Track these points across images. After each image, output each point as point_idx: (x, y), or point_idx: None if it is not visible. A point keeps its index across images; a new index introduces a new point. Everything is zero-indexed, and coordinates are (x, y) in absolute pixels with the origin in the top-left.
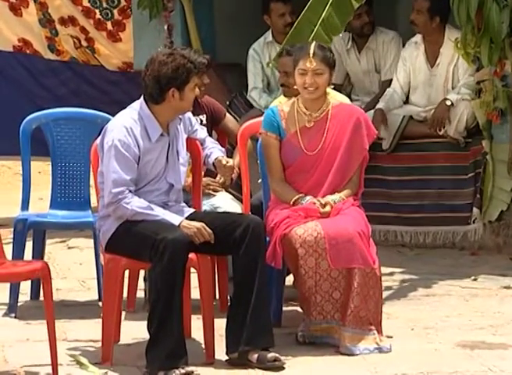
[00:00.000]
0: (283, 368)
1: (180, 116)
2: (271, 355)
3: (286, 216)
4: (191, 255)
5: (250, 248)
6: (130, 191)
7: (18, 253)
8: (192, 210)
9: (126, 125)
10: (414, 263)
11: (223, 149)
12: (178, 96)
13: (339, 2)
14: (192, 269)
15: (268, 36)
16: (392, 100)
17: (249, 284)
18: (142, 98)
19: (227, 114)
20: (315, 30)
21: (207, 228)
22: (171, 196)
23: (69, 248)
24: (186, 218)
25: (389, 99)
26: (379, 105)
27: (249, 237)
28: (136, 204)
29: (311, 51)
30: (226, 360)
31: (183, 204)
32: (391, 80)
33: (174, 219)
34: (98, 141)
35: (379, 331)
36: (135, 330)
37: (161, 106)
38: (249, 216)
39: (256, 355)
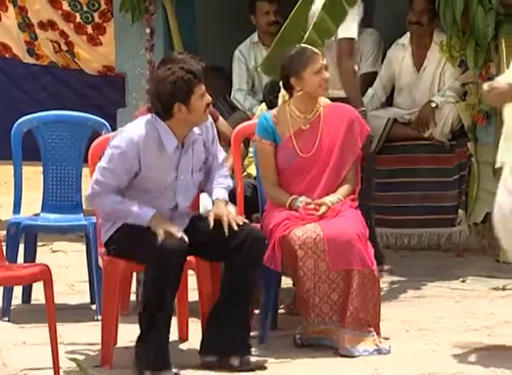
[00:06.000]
0: (265, 367)
1: (199, 132)
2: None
3: (285, 217)
4: (190, 258)
5: (245, 261)
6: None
7: (11, 257)
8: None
9: (134, 135)
10: (401, 265)
11: (230, 186)
12: (185, 110)
13: (333, 6)
14: (189, 272)
15: (254, 37)
16: (371, 103)
17: (236, 297)
18: None
19: (220, 117)
20: (308, 33)
21: (176, 232)
22: (172, 214)
23: (53, 251)
24: (189, 224)
25: (368, 102)
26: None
27: (245, 251)
28: (108, 201)
29: (317, 51)
30: (203, 363)
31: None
32: (371, 72)
33: (145, 214)
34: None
35: (378, 333)
36: (131, 333)
37: (171, 121)
38: (248, 229)
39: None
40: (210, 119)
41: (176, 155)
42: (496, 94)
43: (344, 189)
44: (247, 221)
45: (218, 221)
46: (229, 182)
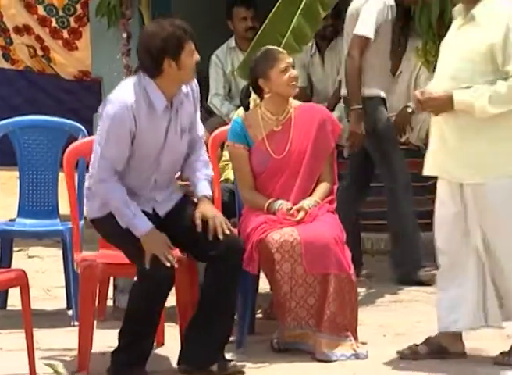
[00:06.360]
0: (243, 372)
1: (186, 90)
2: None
3: (263, 221)
4: None
5: (226, 270)
6: (116, 173)
7: None
8: (181, 196)
9: (126, 99)
10: (377, 270)
11: (211, 175)
12: (175, 66)
13: (308, 11)
14: None
15: (231, 42)
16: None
17: (218, 305)
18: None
19: None
20: (285, 39)
21: (165, 261)
22: (156, 176)
23: (29, 257)
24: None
25: (345, 107)
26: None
27: (227, 260)
28: (115, 194)
29: (283, 50)
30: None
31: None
32: None
33: (141, 226)
34: (100, 110)
35: (355, 337)
36: (107, 339)
37: (161, 79)
38: (230, 237)
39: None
40: (195, 80)
41: (166, 115)
42: (436, 105)
43: (321, 190)
44: (231, 227)
45: (204, 222)
46: (210, 170)
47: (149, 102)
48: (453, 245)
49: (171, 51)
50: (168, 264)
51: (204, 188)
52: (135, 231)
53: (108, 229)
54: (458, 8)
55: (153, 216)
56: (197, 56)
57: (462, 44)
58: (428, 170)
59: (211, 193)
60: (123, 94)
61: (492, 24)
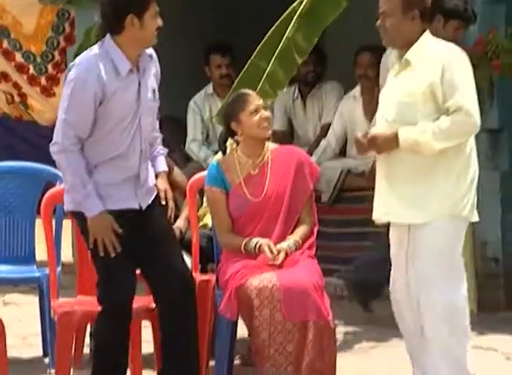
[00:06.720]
0: None
1: (150, 52)
2: None
3: (242, 266)
4: (145, 308)
5: (180, 318)
6: (80, 141)
7: None
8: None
9: (89, 62)
10: (354, 315)
11: (166, 150)
12: (137, 24)
13: (284, 57)
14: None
15: (209, 88)
16: (325, 154)
17: (180, 354)
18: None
19: (175, 168)
20: (260, 84)
21: (109, 245)
22: (141, 142)
23: (5, 303)
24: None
25: (322, 153)
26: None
27: (178, 310)
28: (75, 167)
29: (252, 92)
30: None
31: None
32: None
33: (92, 207)
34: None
35: None
36: None
37: (122, 37)
38: (182, 284)
39: None
40: (154, 52)
41: (134, 78)
42: (381, 143)
43: (300, 231)
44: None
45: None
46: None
47: (113, 65)
48: (398, 296)
49: (136, 6)
50: (102, 253)
51: (162, 164)
52: (86, 211)
53: (84, 226)
54: (394, 57)
55: (138, 213)
56: (160, 21)
57: (401, 89)
58: (378, 217)
59: (167, 168)
60: (87, 58)
61: (427, 65)
